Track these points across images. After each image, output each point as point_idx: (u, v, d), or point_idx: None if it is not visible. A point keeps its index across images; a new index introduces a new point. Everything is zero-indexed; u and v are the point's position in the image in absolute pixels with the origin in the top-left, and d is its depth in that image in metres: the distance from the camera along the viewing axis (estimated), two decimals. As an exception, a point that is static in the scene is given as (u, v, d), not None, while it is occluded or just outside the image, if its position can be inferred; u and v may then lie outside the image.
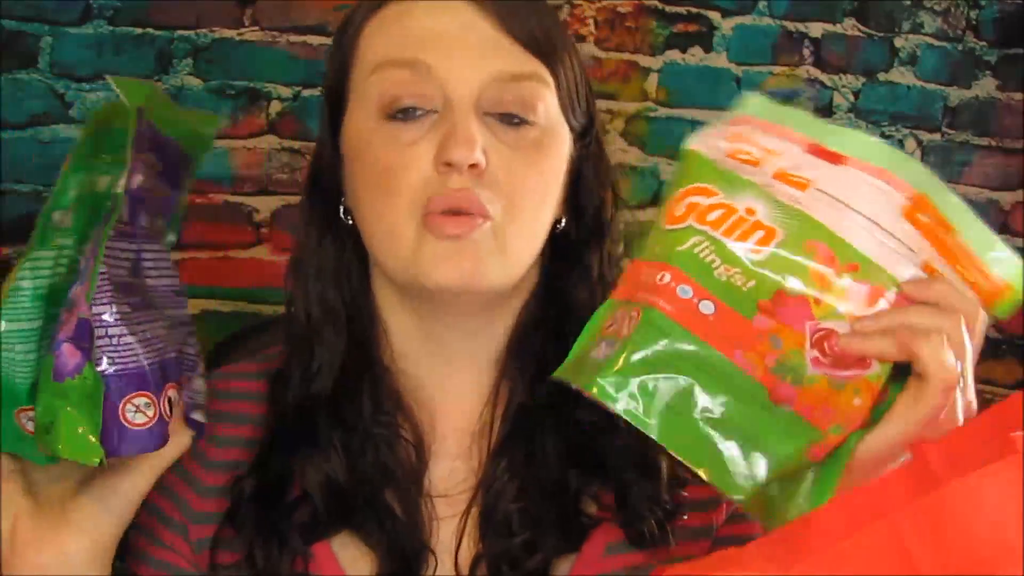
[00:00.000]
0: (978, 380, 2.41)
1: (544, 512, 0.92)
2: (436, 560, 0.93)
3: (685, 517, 0.94)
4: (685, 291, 0.75)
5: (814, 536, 0.63)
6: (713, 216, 0.76)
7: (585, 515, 0.93)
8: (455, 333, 0.97)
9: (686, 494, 0.94)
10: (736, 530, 0.96)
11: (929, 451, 0.62)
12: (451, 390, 0.98)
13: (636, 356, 0.75)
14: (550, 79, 0.92)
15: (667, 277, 0.76)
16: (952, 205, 0.79)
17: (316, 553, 0.93)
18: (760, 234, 0.75)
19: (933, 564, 0.59)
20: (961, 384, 0.74)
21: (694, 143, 0.80)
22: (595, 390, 0.75)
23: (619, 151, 2.05)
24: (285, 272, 1.01)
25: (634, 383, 0.75)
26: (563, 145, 0.94)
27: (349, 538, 0.93)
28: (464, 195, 0.88)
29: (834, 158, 0.77)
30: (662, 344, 0.75)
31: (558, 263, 0.97)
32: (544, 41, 0.92)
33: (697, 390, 0.75)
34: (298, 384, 0.96)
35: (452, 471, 0.96)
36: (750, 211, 0.76)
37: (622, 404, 0.75)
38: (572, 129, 0.95)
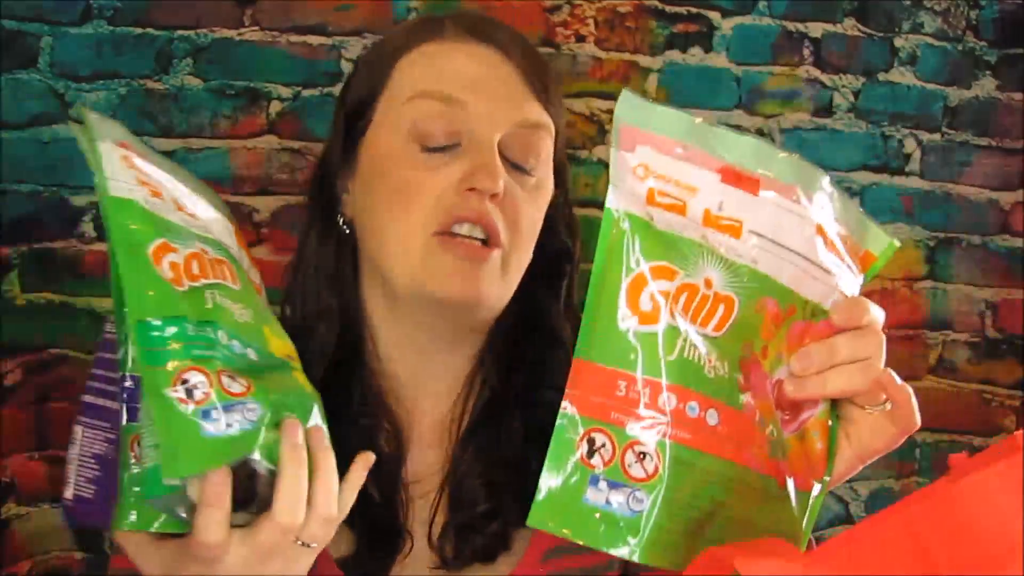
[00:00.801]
0: (978, 380, 2.43)
1: (506, 485, 1.00)
2: (412, 540, 1.00)
3: None
4: (693, 409, 0.70)
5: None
6: (681, 302, 0.71)
7: None
8: (440, 343, 1.04)
9: None
10: None
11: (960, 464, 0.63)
12: (430, 389, 1.05)
13: (677, 504, 0.70)
14: (553, 129, 1.03)
15: (673, 399, 0.70)
16: (824, 189, 0.75)
17: None
18: (722, 308, 0.71)
19: (949, 562, 0.59)
20: (888, 399, 0.80)
21: (615, 201, 0.73)
22: (636, 555, 0.70)
23: (619, 151, 2.05)
24: (284, 271, 1.08)
25: (678, 532, 0.70)
26: (551, 189, 1.05)
27: None
28: (483, 216, 0.97)
29: (749, 184, 0.73)
30: (693, 479, 0.70)
31: (532, 281, 1.05)
32: (553, 95, 1.04)
33: (731, 511, 0.71)
34: None
35: (426, 457, 1.04)
36: (708, 282, 0.72)
37: (669, 560, 0.70)
38: (554, 174, 1.05)
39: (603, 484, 0.71)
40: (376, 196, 1.01)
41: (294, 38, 1.94)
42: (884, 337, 0.78)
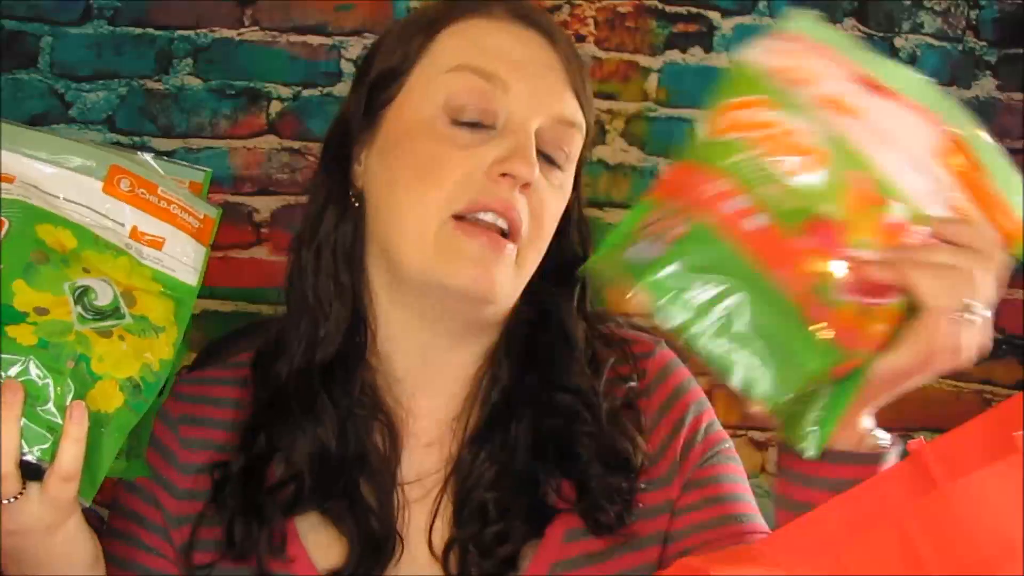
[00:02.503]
0: (978, 380, 2.43)
1: (515, 501, 0.95)
2: (404, 546, 0.95)
3: (641, 506, 0.96)
4: (736, 204, 0.77)
5: (820, 535, 0.63)
6: (769, 132, 0.78)
7: (549, 504, 0.96)
8: (444, 339, 0.99)
9: (645, 478, 0.97)
10: (691, 499, 0.99)
11: (925, 452, 0.62)
12: (428, 391, 1.00)
13: (682, 264, 0.77)
14: (585, 131, 0.99)
15: (718, 187, 0.77)
16: (986, 148, 0.80)
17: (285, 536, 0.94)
18: (809, 158, 0.77)
19: (940, 563, 0.59)
20: (970, 318, 0.79)
21: (744, 54, 0.81)
22: (637, 290, 0.77)
23: (619, 151, 2.05)
24: (292, 241, 1.02)
25: (677, 292, 0.77)
26: (571, 188, 1.00)
27: (320, 523, 0.95)
28: (509, 207, 0.92)
29: (883, 92, 0.79)
30: (709, 255, 0.77)
31: (545, 279, 1.00)
32: (588, 94, 0.99)
33: (737, 303, 0.77)
34: (300, 353, 0.98)
35: (425, 456, 0.99)
36: (801, 132, 0.77)
37: (663, 311, 0.77)
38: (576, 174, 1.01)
39: (643, 244, 0.80)
40: (396, 169, 0.95)
41: (294, 38, 1.94)
42: (980, 259, 0.77)
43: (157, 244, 0.88)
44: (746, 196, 0.77)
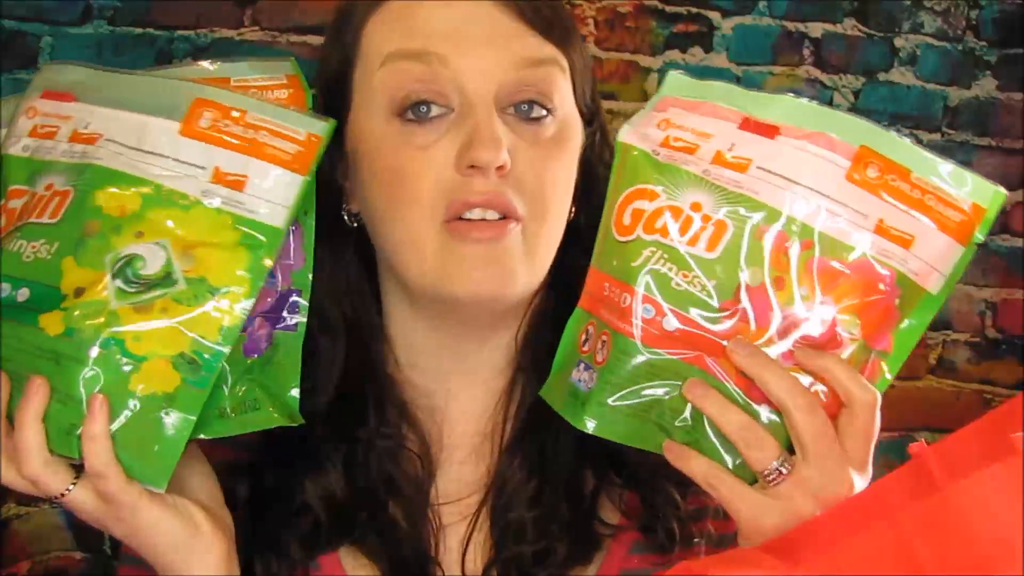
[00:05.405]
0: (978, 380, 2.42)
1: (559, 517, 0.89)
2: (443, 573, 0.90)
3: (709, 526, 0.90)
4: (648, 310, 0.76)
5: (818, 536, 0.63)
6: (660, 222, 0.75)
7: (601, 522, 0.90)
8: (470, 343, 0.93)
9: (707, 499, 0.88)
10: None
11: (927, 455, 0.62)
12: (463, 397, 0.94)
13: (614, 384, 0.77)
14: (566, 64, 0.89)
15: (628, 299, 0.76)
16: (899, 147, 0.77)
17: (323, 563, 0.90)
18: (711, 231, 0.74)
19: (937, 564, 0.59)
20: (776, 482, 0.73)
21: (627, 135, 0.79)
22: (588, 425, 0.78)
23: (619, 151, 2.05)
24: None
25: (620, 410, 0.77)
26: (578, 135, 0.91)
27: (354, 549, 0.91)
28: (493, 197, 0.84)
29: (768, 130, 0.75)
30: (635, 367, 0.76)
31: (566, 255, 0.92)
32: (558, 25, 0.89)
33: (677, 403, 0.76)
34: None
35: (461, 474, 0.93)
36: (695, 206, 0.75)
37: (615, 432, 0.78)
38: (583, 117, 0.92)
39: (582, 366, 0.80)
40: (372, 188, 0.88)
41: (294, 38, 1.94)
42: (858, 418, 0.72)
43: (239, 184, 0.79)
44: (659, 297, 0.75)
